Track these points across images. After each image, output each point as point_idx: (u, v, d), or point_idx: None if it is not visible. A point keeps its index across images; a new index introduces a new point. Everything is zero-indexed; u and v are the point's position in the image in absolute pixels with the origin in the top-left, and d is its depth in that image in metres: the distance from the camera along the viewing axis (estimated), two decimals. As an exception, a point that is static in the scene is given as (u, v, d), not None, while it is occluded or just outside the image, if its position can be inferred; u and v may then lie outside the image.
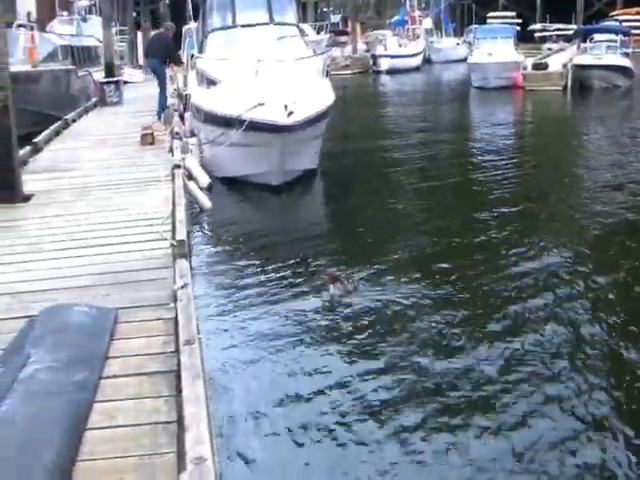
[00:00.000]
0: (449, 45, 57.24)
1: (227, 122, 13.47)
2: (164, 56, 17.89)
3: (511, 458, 5.47)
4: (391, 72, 46.71)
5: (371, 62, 49.97)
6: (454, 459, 5.43)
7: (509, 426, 5.86)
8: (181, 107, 19.29)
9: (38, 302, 5.97)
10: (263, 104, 12.75)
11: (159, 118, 17.17)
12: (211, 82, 15.02)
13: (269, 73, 13.38)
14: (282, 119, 12.53)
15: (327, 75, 16.00)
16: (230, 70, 13.99)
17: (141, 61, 48.68)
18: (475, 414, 6.05)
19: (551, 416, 6.01)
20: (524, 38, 41.24)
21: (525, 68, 32.48)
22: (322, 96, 14.26)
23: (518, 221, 11.86)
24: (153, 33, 21.00)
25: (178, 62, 18.61)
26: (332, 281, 8.34)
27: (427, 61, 54.75)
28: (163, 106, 18.05)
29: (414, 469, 5.43)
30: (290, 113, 12.48)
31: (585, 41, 33.52)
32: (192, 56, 18.05)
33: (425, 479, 5.40)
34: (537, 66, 32.66)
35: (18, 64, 20.60)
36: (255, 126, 12.71)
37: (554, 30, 48.06)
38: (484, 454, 5.48)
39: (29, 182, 10.85)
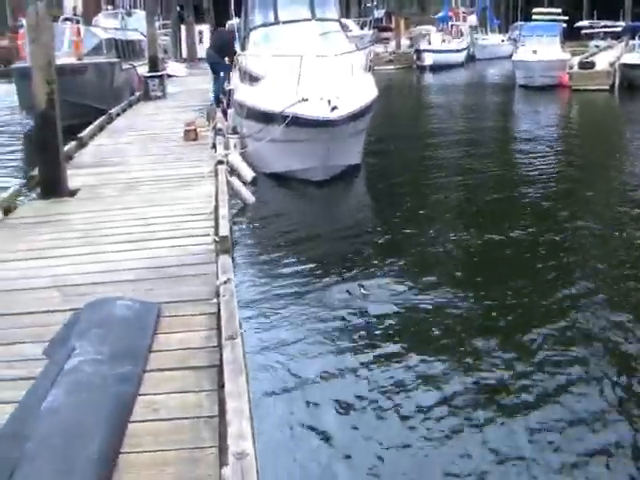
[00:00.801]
0: (494, 42, 56.77)
1: (270, 118, 13.49)
2: (222, 51, 19.31)
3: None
4: (435, 68, 46.36)
5: (415, 57, 49.69)
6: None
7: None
8: (225, 102, 19.40)
9: (83, 295, 6.06)
10: (307, 99, 12.76)
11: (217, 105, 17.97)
12: (254, 79, 15.06)
13: (312, 69, 13.36)
14: (326, 114, 12.51)
15: (370, 70, 15.94)
16: (273, 66, 14.01)
17: (185, 55, 49.13)
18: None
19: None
20: (570, 35, 40.68)
21: (571, 67, 32.02)
22: (365, 91, 14.21)
23: (559, 221, 11.67)
24: (218, 30, 21.75)
25: (232, 57, 19.10)
26: None
27: (471, 58, 54.28)
28: (217, 96, 19.11)
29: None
30: (334, 108, 12.46)
31: (634, 38, 32.94)
32: (235, 53, 18.13)
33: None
34: (583, 65, 32.13)
35: (64, 57, 20.88)
36: (299, 121, 12.72)
37: (601, 27, 47.32)
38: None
39: (74, 177, 11.00)
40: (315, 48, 14.36)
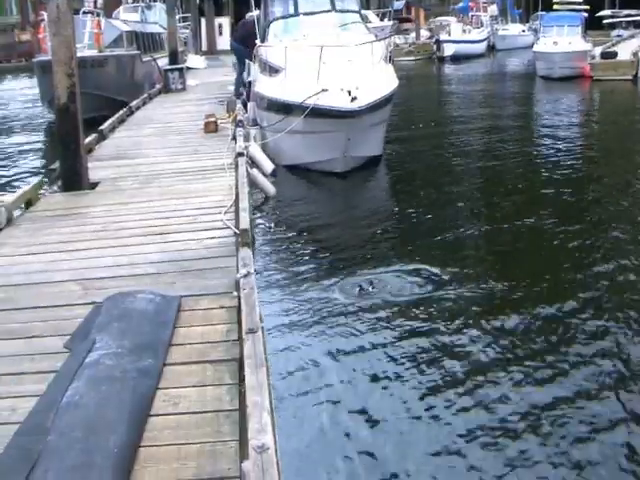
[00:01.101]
0: (514, 32, 56.29)
1: (290, 109, 13.47)
2: (245, 41, 19.19)
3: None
4: (455, 58, 46.13)
5: (435, 48, 49.43)
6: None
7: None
8: (245, 94, 19.40)
9: (103, 289, 6.08)
10: (327, 90, 12.73)
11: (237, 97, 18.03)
12: (274, 70, 15.04)
13: (332, 59, 13.34)
14: (346, 104, 12.47)
15: (390, 61, 15.86)
16: (292, 58, 13.98)
17: (204, 47, 49.20)
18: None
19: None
20: (592, 25, 40.29)
21: (593, 57, 31.73)
22: (385, 81, 14.15)
23: (584, 206, 11.58)
24: (243, 20, 21.83)
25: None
26: None
27: (492, 48, 53.97)
28: (237, 88, 19.41)
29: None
30: (354, 98, 12.43)
31: (657, 27, 32.67)
32: (255, 44, 18.12)
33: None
34: (605, 55, 31.82)
35: (84, 50, 20.98)
36: (319, 112, 12.69)
37: (624, 16, 46.92)
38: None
39: (95, 170, 11.03)
40: (335, 39, 14.33)
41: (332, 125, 12.79)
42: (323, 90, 12.72)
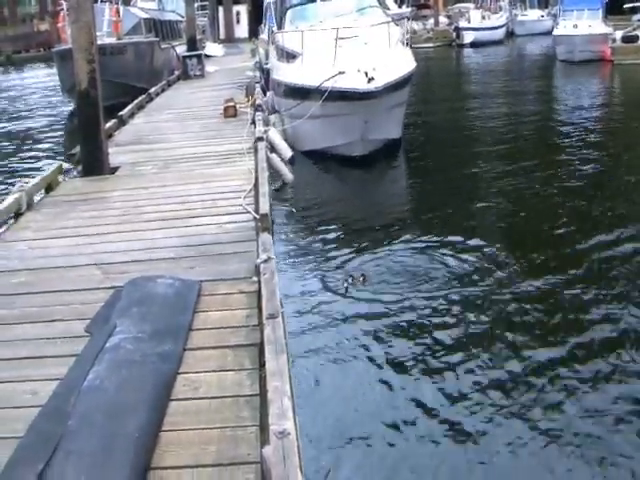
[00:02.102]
0: (533, 17, 55.77)
1: (308, 93, 13.43)
2: None
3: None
4: (474, 45, 45.89)
5: (454, 35, 49.16)
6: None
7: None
8: (263, 80, 19.36)
9: (124, 273, 6.07)
10: (343, 72, 12.67)
11: None
12: (291, 56, 15.00)
13: (348, 42, 13.30)
14: (363, 85, 12.40)
15: (408, 45, 15.76)
16: (309, 42, 13.93)
17: (222, 35, 49.12)
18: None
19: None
20: (613, 9, 39.86)
21: (614, 41, 31.43)
22: (403, 63, 14.07)
23: (599, 201, 11.45)
24: None
25: None
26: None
27: (511, 34, 53.61)
28: None
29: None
30: (371, 79, 12.36)
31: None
32: (272, 31, 18.05)
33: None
34: (626, 39, 31.49)
35: (104, 37, 21.01)
36: (336, 95, 12.63)
37: (645, 0, 46.35)
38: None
39: (115, 155, 11.06)
40: (352, 23, 14.26)
41: (349, 108, 12.72)
42: (340, 72, 12.66)
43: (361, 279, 7.98)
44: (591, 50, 30.88)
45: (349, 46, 13.22)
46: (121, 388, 4.16)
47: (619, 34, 31.94)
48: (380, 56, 13.28)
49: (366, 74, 12.38)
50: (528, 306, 7.45)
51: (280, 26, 16.66)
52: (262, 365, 4.26)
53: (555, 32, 33.79)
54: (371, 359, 6.48)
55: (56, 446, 3.64)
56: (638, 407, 5.62)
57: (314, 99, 13.08)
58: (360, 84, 12.42)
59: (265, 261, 5.51)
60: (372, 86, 12.40)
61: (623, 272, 8.17)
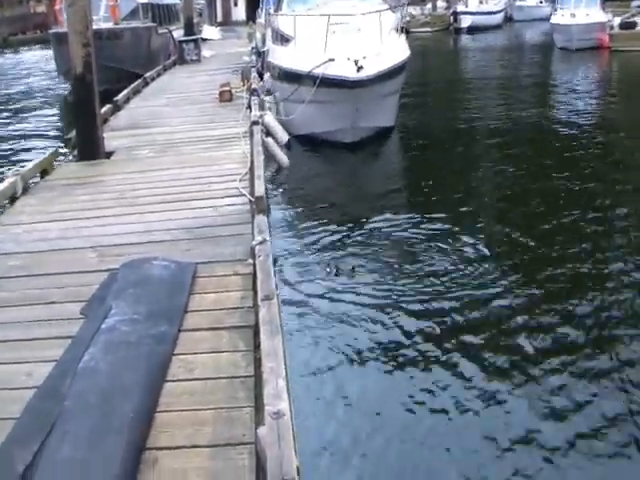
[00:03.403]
0: (532, 3, 55.53)
1: (298, 79, 13.41)
2: None
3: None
4: (472, 30, 45.70)
5: (452, 19, 49.00)
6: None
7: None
8: (259, 64, 19.29)
9: (120, 256, 6.08)
10: (333, 60, 12.64)
11: None
12: (285, 39, 14.96)
13: (341, 29, 13.26)
14: (352, 74, 12.37)
15: (403, 32, 15.67)
16: (301, 26, 13.90)
17: (219, 19, 48.96)
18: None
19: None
20: (613, -5, 39.75)
21: (612, 27, 31.31)
22: (395, 51, 14.00)
23: (595, 190, 11.40)
24: None
25: None
26: None
27: (509, 19, 53.44)
28: None
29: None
30: (360, 68, 12.31)
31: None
32: (269, 13, 17.98)
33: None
34: (625, 25, 31.35)
35: (101, 22, 20.93)
36: (326, 82, 12.60)
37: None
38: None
39: (110, 139, 11.03)
40: (349, 10, 14.19)
41: (339, 95, 12.69)
42: (330, 60, 12.63)
43: (351, 268, 8.02)
44: (589, 38, 30.76)
45: (341, 33, 13.18)
46: (116, 369, 4.17)
47: (617, 21, 31.81)
48: (372, 44, 13.22)
49: (356, 62, 12.34)
50: (526, 292, 7.46)
51: (278, 8, 16.59)
52: (257, 346, 4.27)
53: (553, 20, 33.67)
54: (367, 338, 6.49)
55: (52, 426, 3.66)
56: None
57: (305, 84, 13.07)
58: (349, 72, 12.39)
59: (260, 243, 5.52)
60: (362, 75, 12.37)
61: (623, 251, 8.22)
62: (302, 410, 4.89)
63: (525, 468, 4.78)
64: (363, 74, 12.36)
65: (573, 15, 31.25)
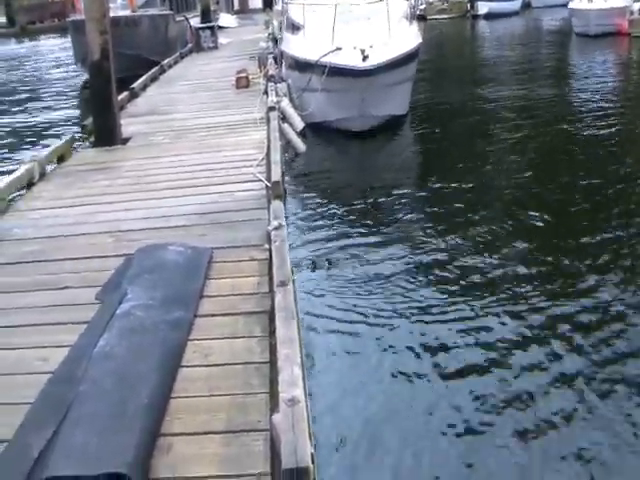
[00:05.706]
0: (550, -12, 55.28)
1: (307, 67, 13.37)
2: None
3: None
4: (489, 16, 45.33)
5: (469, 6, 48.70)
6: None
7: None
8: (276, 50, 19.24)
9: (135, 241, 6.07)
10: (340, 49, 12.58)
11: None
12: (296, 27, 14.93)
13: (349, 17, 13.21)
14: (358, 63, 12.30)
15: (415, 19, 15.54)
16: (311, 15, 13.86)
17: (236, 6, 48.86)
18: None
19: None
20: (631, -20, 39.34)
21: (632, 13, 30.94)
22: (405, 40, 13.88)
23: (613, 183, 11.25)
24: None
25: None
26: None
27: (527, 5, 52.94)
28: None
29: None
30: (365, 57, 12.24)
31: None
32: (284, 2, 17.92)
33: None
34: (644, 11, 31.04)
35: (118, 9, 20.95)
36: (334, 71, 12.55)
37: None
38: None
39: (127, 126, 11.04)
40: None
41: (346, 84, 12.64)
42: (337, 48, 12.57)
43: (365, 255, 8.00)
44: (607, 24, 30.39)
45: (350, 21, 13.13)
46: (131, 355, 4.15)
47: (637, 6, 31.41)
48: (380, 33, 13.14)
49: (362, 52, 12.26)
50: (537, 280, 7.39)
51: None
52: (272, 332, 4.24)
53: (571, 5, 33.28)
54: (383, 324, 6.44)
55: (67, 411, 3.65)
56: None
57: (314, 73, 13.03)
58: (355, 61, 12.32)
59: (276, 228, 5.48)
60: (367, 64, 12.29)
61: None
62: (317, 397, 4.86)
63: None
64: (369, 63, 12.28)
65: (591, 0, 30.91)
